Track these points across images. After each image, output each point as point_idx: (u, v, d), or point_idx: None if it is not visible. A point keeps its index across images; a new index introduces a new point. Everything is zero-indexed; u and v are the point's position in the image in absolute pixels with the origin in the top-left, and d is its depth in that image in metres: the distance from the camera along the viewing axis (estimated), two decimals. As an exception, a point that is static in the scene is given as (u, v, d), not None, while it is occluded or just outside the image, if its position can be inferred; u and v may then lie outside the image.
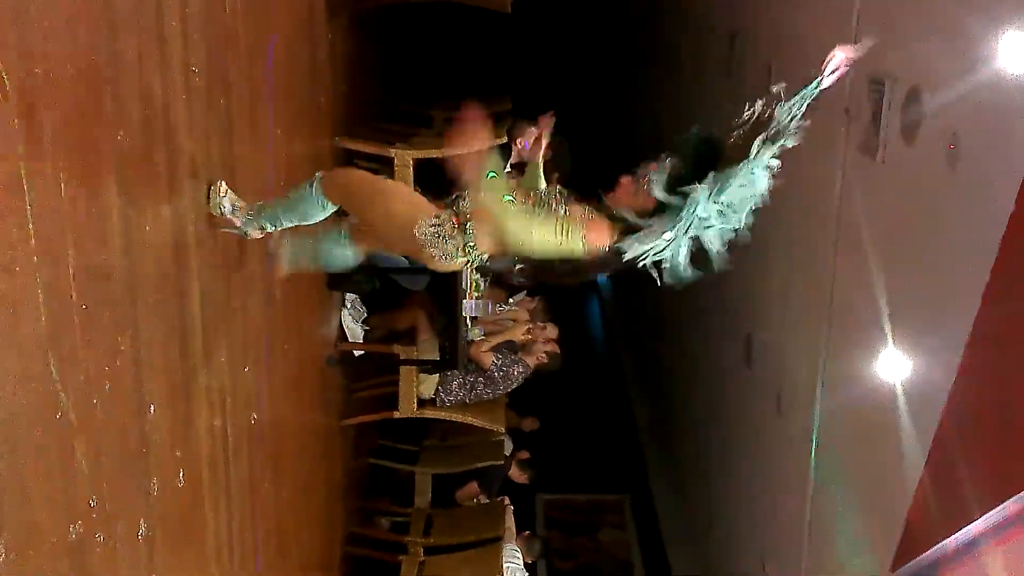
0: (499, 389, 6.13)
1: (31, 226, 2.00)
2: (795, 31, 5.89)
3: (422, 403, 5.90)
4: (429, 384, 5.89)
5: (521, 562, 6.12)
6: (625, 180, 2.84)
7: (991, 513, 3.40)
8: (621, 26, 13.61)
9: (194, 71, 2.96)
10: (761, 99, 2.66)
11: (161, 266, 2.73)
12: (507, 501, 6.88)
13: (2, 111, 1.90)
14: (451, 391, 5.95)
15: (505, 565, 5.76)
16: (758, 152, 2.59)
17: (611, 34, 13.75)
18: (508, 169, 5.94)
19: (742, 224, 2.72)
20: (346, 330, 5.64)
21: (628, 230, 2.76)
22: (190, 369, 2.99)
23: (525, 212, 2.85)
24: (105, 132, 2.36)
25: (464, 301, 5.62)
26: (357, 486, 6.30)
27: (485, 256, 2.98)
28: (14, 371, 1.95)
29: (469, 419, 6.06)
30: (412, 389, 5.74)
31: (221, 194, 3.14)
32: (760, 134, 2.60)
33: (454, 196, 3.01)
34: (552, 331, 6.47)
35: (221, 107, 3.26)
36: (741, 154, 2.62)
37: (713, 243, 2.73)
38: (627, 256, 2.75)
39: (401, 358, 5.68)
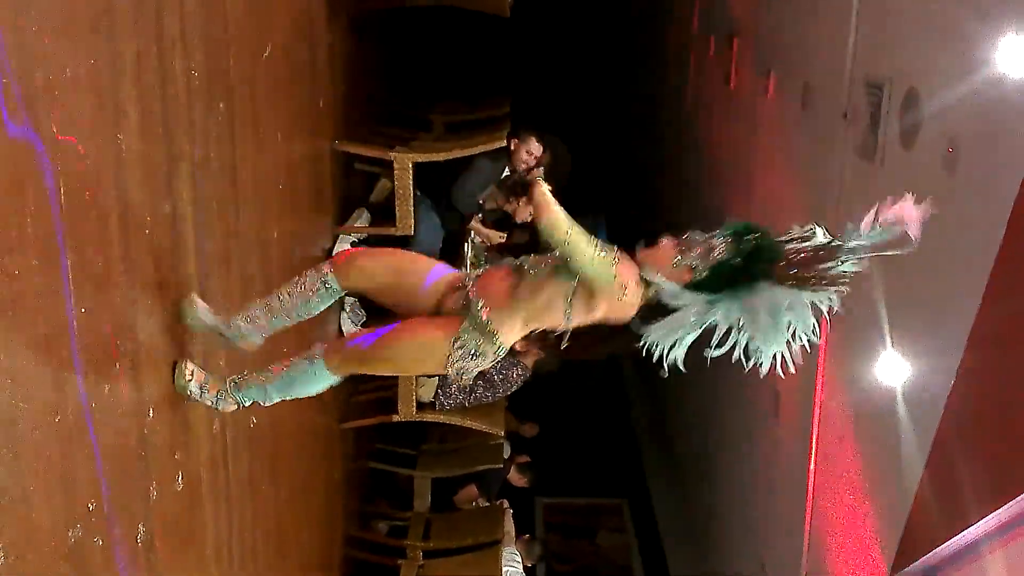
0: (498, 392, 6.13)
1: (30, 229, 2.00)
2: (794, 34, 5.89)
3: (421, 406, 5.90)
4: (428, 387, 5.89)
5: (520, 566, 6.12)
6: (667, 243, 2.69)
7: (992, 515, 3.39)
8: (620, 28, 13.63)
9: (193, 74, 2.96)
10: (825, 230, 2.54)
11: (159, 269, 2.73)
12: (506, 505, 6.89)
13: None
14: (450, 394, 5.95)
15: (504, 569, 5.77)
16: (813, 288, 2.49)
17: (609, 36, 13.77)
18: (507, 173, 5.93)
19: (766, 351, 2.61)
20: (345, 334, 5.63)
21: (648, 303, 2.66)
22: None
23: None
24: (103, 126, 2.36)
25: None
26: (356, 489, 6.30)
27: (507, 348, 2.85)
28: (13, 374, 1.95)
29: (468, 423, 6.05)
30: (411, 392, 5.74)
31: (187, 377, 2.84)
32: (821, 265, 2.49)
33: (464, 303, 2.82)
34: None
35: (220, 110, 3.26)
36: (794, 278, 2.50)
37: (717, 342, 2.63)
38: (648, 339, 2.65)
39: (400, 361, 5.66)
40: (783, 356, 2.63)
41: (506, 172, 5.99)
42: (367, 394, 6.05)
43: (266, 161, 3.90)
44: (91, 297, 2.27)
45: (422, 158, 5.40)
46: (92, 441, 2.30)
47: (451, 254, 5.67)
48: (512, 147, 5.66)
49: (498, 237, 6.42)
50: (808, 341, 2.59)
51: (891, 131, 4.25)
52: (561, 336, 2.81)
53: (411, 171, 5.32)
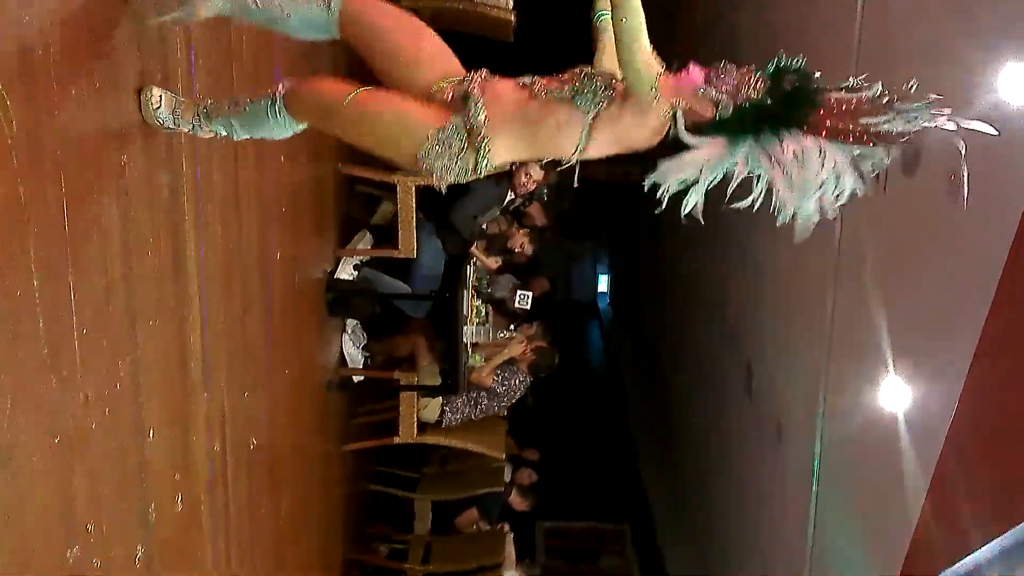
0: (502, 402, 6.15)
1: (32, 250, 2.00)
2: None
3: (422, 428, 5.88)
4: (432, 408, 5.88)
5: (521, 590, 6.08)
6: (695, 70, 2.31)
7: (995, 541, 3.38)
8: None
9: (198, 96, 2.97)
10: (881, 84, 2.23)
11: (161, 290, 2.73)
12: (507, 528, 6.85)
13: (2, 133, 1.91)
14: (456, 408, 5.95)
15: (505, 593, 5.73)
16: (854, 143, 2.20)
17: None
18: (511, 197, 5.95)
19: (794, 209, 2.31)
20: (346, 356, 5.63)
21: (664, 140, 2.34)
22: (189, 393, 2.99)
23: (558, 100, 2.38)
24: (106, 148, 2.37)
25: (465, 327, 5.63)
26: (356, 512, 6.27)
27: (493, 166, 2.48)
28: (13, 395, 1.95)
29: (469, 445, 6.04)
30: (412, 415, 5.72)
31: (154, 104, 2.54)
32: (867, 119, 2.20)
33: (463, 95, 2.43)
34: (543, 343, 6.45)
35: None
36: (834, 130, 2.21)
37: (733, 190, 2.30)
38: (654, 176, 2.34)
39: (402, 384, 5.67)
40: (808, 213, 2.34)
41: (509, 196, 6.01)
42: (367, 416, 6.04)
43: (269, 183, 3.91)
44: (90, 318, 2.28)
45: (424, 181, 5.41)
46: (91, 462, 2.29)
47: (453, 278, 5.68)
48: (513, 170, 5.69)
49: (494, 263, 6.44)
50: (846, 197, 2.34)
51: (893, 157, 4.25)
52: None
53: (414, 194, 5.33)
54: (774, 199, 2.30)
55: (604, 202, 14.84)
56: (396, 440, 5.78)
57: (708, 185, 2.31)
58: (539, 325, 6.79)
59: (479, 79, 2.45)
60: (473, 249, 6.12)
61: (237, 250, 3.49)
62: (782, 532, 6.18)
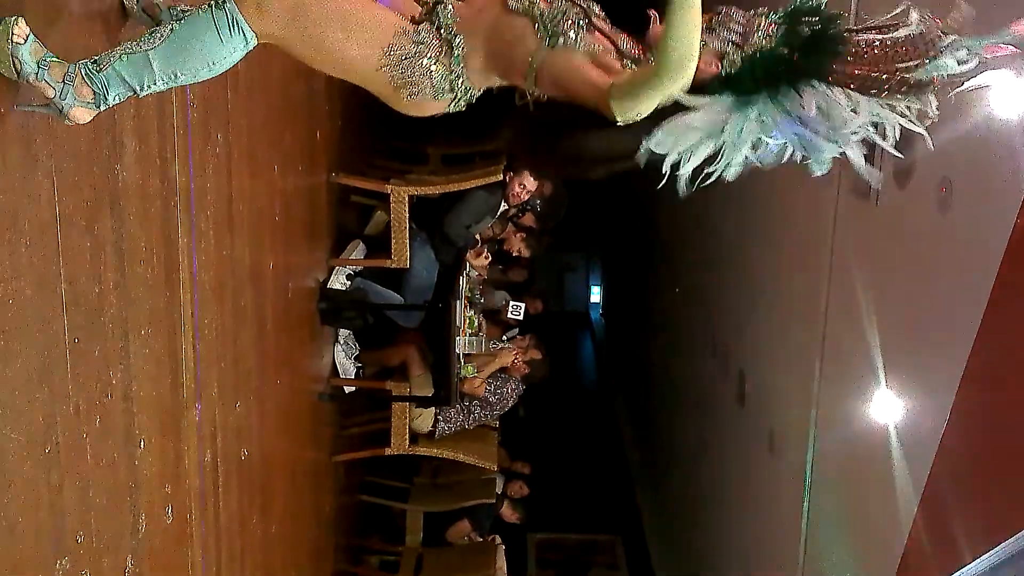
0: (496, 410, 6.15)
1: (24, 259, 1.99)
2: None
3: (414, 439, 5.87)
4: (425, 418, 5.87)
5: (512, 602, 6.06)
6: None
7: (986, 555, 3.38)
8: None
9: (192, 105, 2.97)
10: (918, 15, 1.87)
11: (153, 300, 2.73)
12: (498, 540, 6.83)
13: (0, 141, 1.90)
14: (450, 418, 5.95)
15: (496, 605, 5.72)
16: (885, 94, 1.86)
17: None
18: (504, 208, 5.95)
19: (824, 159, 1.94)
20: (339, 366, 5.62)
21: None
22: (181, 404, 2.98)
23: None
24: (100, 158, 2.37)
25: (457, 338, 5.62)
26: (347, 523, 6.25)
27: (475, 91, 2.14)
28: (4, 404, 1.94)
29: (461, 456, 6.03)
30: (404, 425, 5.71)
31: (15, 39, 1.88)
32: (902, 63, 1.85)
33: (432, 4, 2.12)
34: (536, 353, 6.45)
35: (218, 141, 3.27)
36: (861, 80, 1.86)
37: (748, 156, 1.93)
38: (649, 148, 1.89)
39: (394, 394, 5.66)
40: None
41: (502, 206, 6.01)
42: (360, 427, 6.02)
43: (262, 193, 3.91)
44: (83, 327, 2.27)
45: (418, 191, 5.41)
46: (82, 472, 2.28)
47: (446, 289, 5.68)
48: (507, 180, 5.69)
49: (484, 260, 6.40)
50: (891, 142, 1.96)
51: (886, 170, 4.27)
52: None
53: (407, 204, 5.33)
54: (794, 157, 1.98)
55: (596, 213, 14.86)
56: (388, 451, 5.76)
57: (708, 151, 1.94)
58: (532, 338, 6.80)
59: None
60: (471, 257, 6.12)
61: (230, 260, 3.48)
62: (774, 542, 6.17)
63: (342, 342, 5.66)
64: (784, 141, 1.94)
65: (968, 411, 3.57)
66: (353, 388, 5.71)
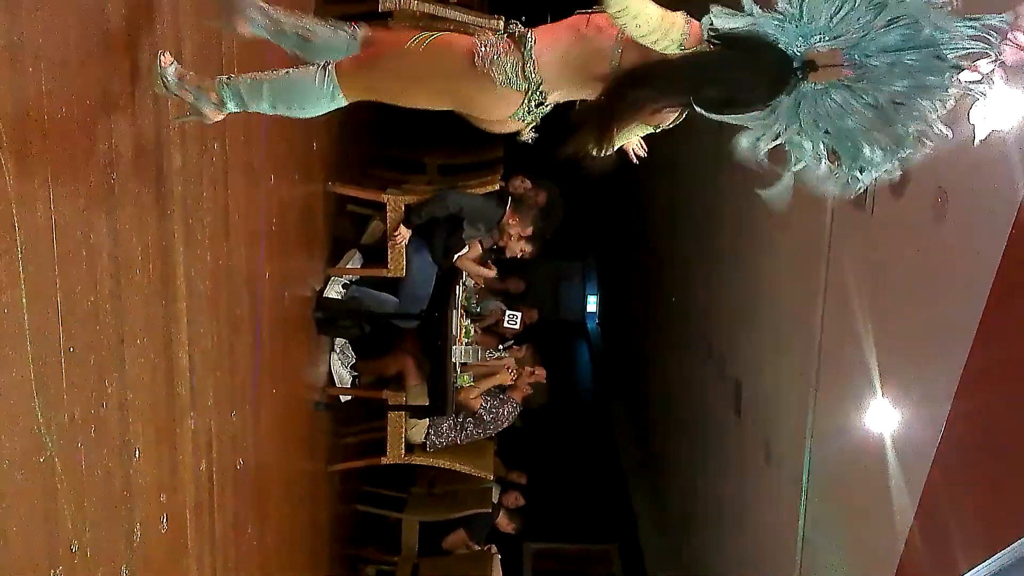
0: (489, 429, 6.13)
1: (20, 268, 1.99)
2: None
3: (410, 448, 5.86)
4: (419, 429, 5.86)
5: (508, 612, 6.05)
6: None
7: (982, 564, 3.38)
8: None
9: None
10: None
11: (149, 309, 2.72)
12: (495, 550, 6.82)
13: (-5, 152, 1.90)
14: (442, 433, 5.93)
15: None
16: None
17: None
18: (503, 212, 5.92)
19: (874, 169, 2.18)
20: (334, 375, 5.62)
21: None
22: (177, 413, 2.97)
23: None
24: (96, 168, 2.37)
25: (453, 347, 5.61)
26: (343, 533, 6.24)
27: (544, 93, 2.40)
28: (-1, 413, 1.94)
29: (457, 466, 6.02)
30: (400, 435, 5.71)
31: (163, 65, 2.52)
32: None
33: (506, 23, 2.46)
34: (540, 373, 6.45)
35: (214, 150, 3.28)
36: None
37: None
38: (742, 148, 2.20)
39: (390, 404, 5.65)
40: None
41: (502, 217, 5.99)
42: (356, 436, 6.01)
43: (258, 202, 3.91)
44: (78, 336, 2.26)
45: (415, 200, 5.41)
46: (76, 482, 2.27)
47: (442, 297, 5.67)
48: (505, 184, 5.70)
49: (489, 272, 6.38)
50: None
51: (881, 179, 4.28)
52: None
53: (404, 213, 5.33)
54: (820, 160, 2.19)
55: (593, 222, 14.88)
56: (384, 460, 5.76)
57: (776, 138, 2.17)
58: (528, 347, 6.80)
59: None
60: (465, 262, 6.07)
61: (226, 269, 3.48)
62: (770, 552, 6.17)
63: (338, 351, 5.66)
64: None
65: (964, 421, 3.57)
66: (349, 397, 5.71)
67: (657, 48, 2.19)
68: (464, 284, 6.31)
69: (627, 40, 2.25)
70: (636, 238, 12.35)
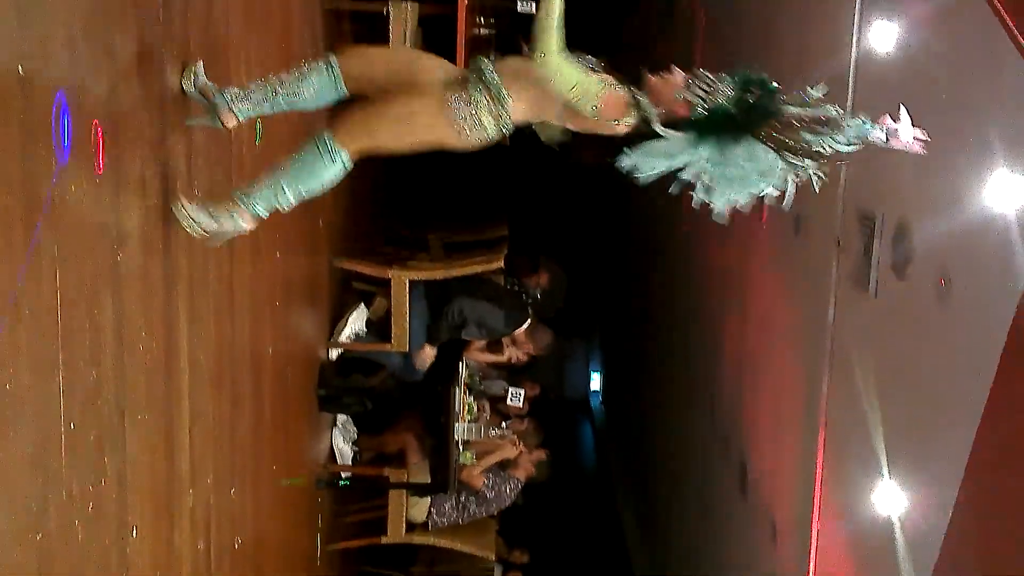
0: (491, 508, 6.07)
1: (23, 342, 1.99)
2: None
3: (411, 527, 5.79)
4: (421, 508, 5.80)
5: None
6: (677, 73, 2.67)
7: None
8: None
9: (196, 193, 3.01)
10: (834, 104, 2.57)
11: (151, 385, 2.72)
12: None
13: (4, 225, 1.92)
14: (444, 512, 5.87)
15: None
16: (789, 154, 2.53)
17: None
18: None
19: (722, 196, 2.63)
20: (336, 452, 5.58)
21: (639, 130, 2.67)
22: (175, 490, 2.94)
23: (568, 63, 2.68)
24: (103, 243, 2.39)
25: (456, 424, 5.59)
26: (341, 614, 6.13)
27: (511, 126, 2.82)
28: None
29: (458, 545, 5.94)
30: (401, 513, 5.65)
31: (197, 71, 2.86)
32: (807, 135, 2.53)
33: (472, 74, 2.80)
34: (541, 453, 6.41)
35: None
36: (776, 141, 2.54)
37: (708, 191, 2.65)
38: (625, 161, 2.64)
39: (391, 481, 5.60)
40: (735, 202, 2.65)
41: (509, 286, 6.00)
42: (356, 514, 5.94)
43: (264, 279, 3.93)
44: (80, 412, 2.26)
45: (419, 276, 5.44)
46: (73, 559, 2.24)
47: (447, 371, 5.67)
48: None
49: (499, 358, 6.38)
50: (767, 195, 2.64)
51: (884, 261, 4.30)
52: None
53: (407, 289, 5.36)
54: (710, 185, 2.63)
55: (595, 300, 14.91)
56: (384, 539, 5.68)
57: (664, 170, 2.64)
58: (530, 422, 6.76)
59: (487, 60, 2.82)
60: (472, 354, 6.11)
61: (230, 345, 3.48)
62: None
63: (340, 426, 5.63)
64: (713, 175, 2.61)
65: (972, 503, 3.52)
66: (348, 480, 5.64)
67: (577, 108, 2.67)
68: (466, 362, 6.30)
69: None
70: (638, 318, 12.36)
